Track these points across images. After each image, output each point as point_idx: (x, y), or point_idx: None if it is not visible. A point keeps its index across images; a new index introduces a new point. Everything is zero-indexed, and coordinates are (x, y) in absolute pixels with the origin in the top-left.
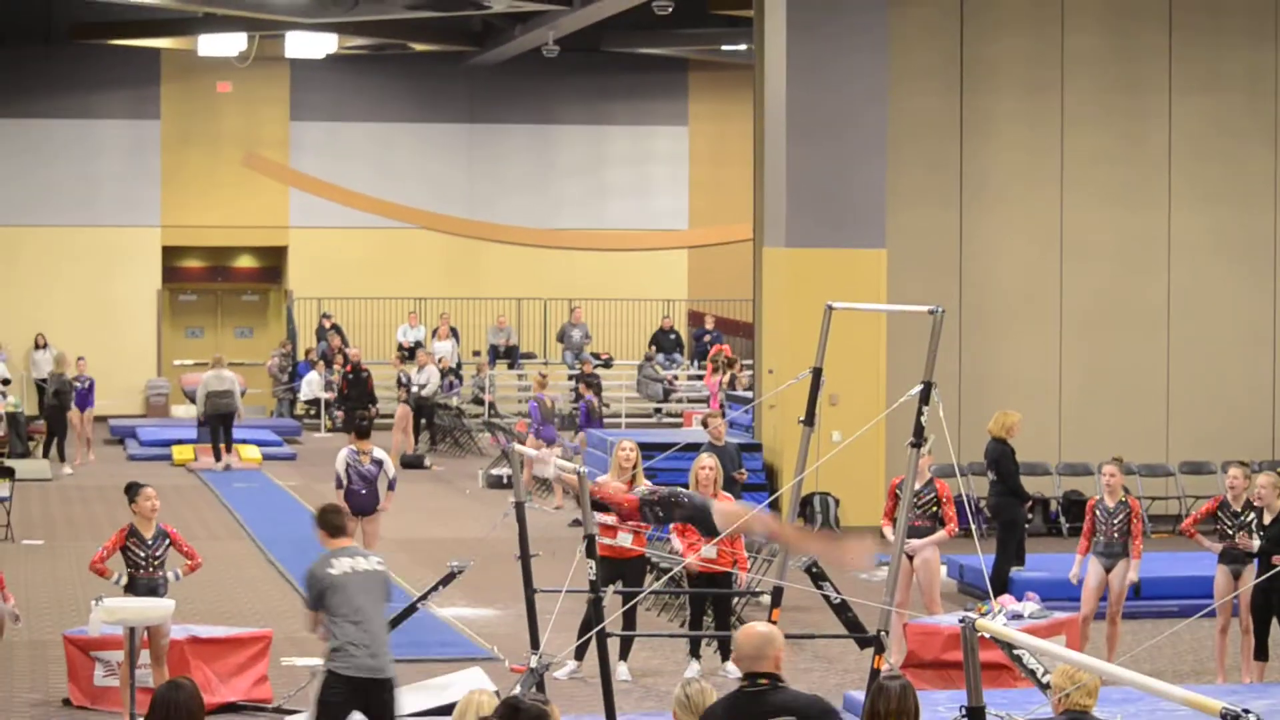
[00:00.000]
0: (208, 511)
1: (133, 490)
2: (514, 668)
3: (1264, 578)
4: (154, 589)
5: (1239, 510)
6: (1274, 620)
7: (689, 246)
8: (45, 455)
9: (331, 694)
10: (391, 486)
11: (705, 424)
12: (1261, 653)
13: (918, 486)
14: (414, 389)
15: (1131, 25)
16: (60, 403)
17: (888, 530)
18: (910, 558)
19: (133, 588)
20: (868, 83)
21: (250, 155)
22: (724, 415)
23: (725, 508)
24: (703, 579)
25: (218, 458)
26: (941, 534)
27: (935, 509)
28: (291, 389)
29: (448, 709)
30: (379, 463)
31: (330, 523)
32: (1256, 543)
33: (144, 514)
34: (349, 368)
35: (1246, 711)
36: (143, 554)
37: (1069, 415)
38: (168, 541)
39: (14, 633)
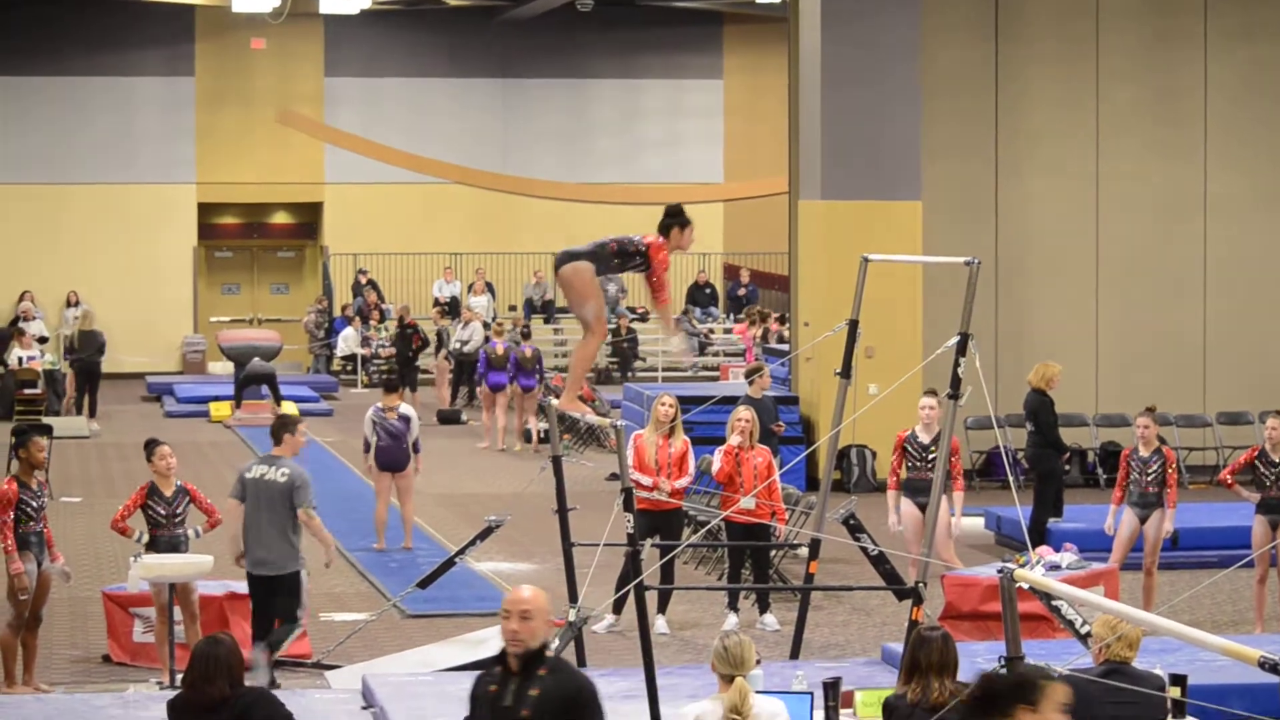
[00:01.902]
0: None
1: (150, 448)
2: (553, 621)
3: None
4: (175, 546)
5: (1278, 460)
6: None
7: (724, 200)
8: (78, 412)
9: (253, 591)
10: (416, 449)
11: (749, 378)
12: None
13: (928, 439)
14: (458, 345)
15: None
16: (89, 360)
17: (892, 495)
18: (921, 509)
19: (154, 545)
20: (902, 34)
21: (285, 112)
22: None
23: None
24: (741, 531)
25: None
26: (958, 496)
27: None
28: (328, 345)
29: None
30: (406, 419)
31: (272, 430)
32: None
33: (161, 472)
34: (410, 323)
35: None
36: (163, 511)
37: (1106, 367)
38: (188, 499)
39: (54, 589)
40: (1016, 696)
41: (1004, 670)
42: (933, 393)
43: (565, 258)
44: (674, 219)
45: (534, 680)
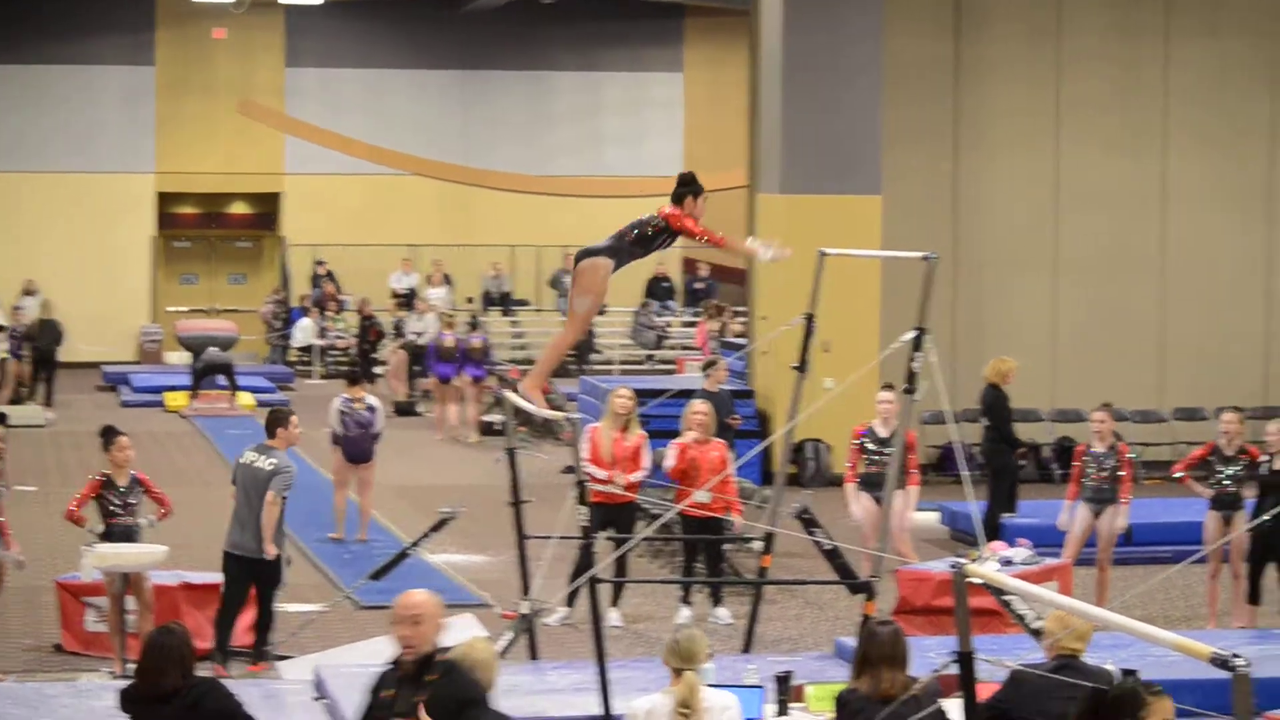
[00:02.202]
0: (200, 457)
1: (108, 438)
2: (505, 614)
3: (1258, 522)
4: (129, 535)
5: (1231, 456)
6: (1271, 565)
7: None
8: (34, 399)
9: (226, 568)
10: (376, 439)
11: (705, 371)
12: (1255, 596)
13: (886, 433)
14: (413, 336)
15: None
16: (46, 349)
17: (850, 489)
18: (879, 503)
19: (108, 535)
20: (863, 28)
21: (245, 102)
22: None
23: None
24: (695, 525)
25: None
26: (914, 490)
27: (901, 457)
28: (285, 336)
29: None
30: (373, 409)
31: (266, 423)
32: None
33: (118, 463)
34: (369, 314)
35: (1236, 655)
36: (117, 501)
37: (1063, 361)
38: (141, 489)
39: (8, 577)
40: (1123, 711)
41: (1123, 684)
42: (890, 387)
43: (584, 254)
44: (687, 188)
45: (424, 685)
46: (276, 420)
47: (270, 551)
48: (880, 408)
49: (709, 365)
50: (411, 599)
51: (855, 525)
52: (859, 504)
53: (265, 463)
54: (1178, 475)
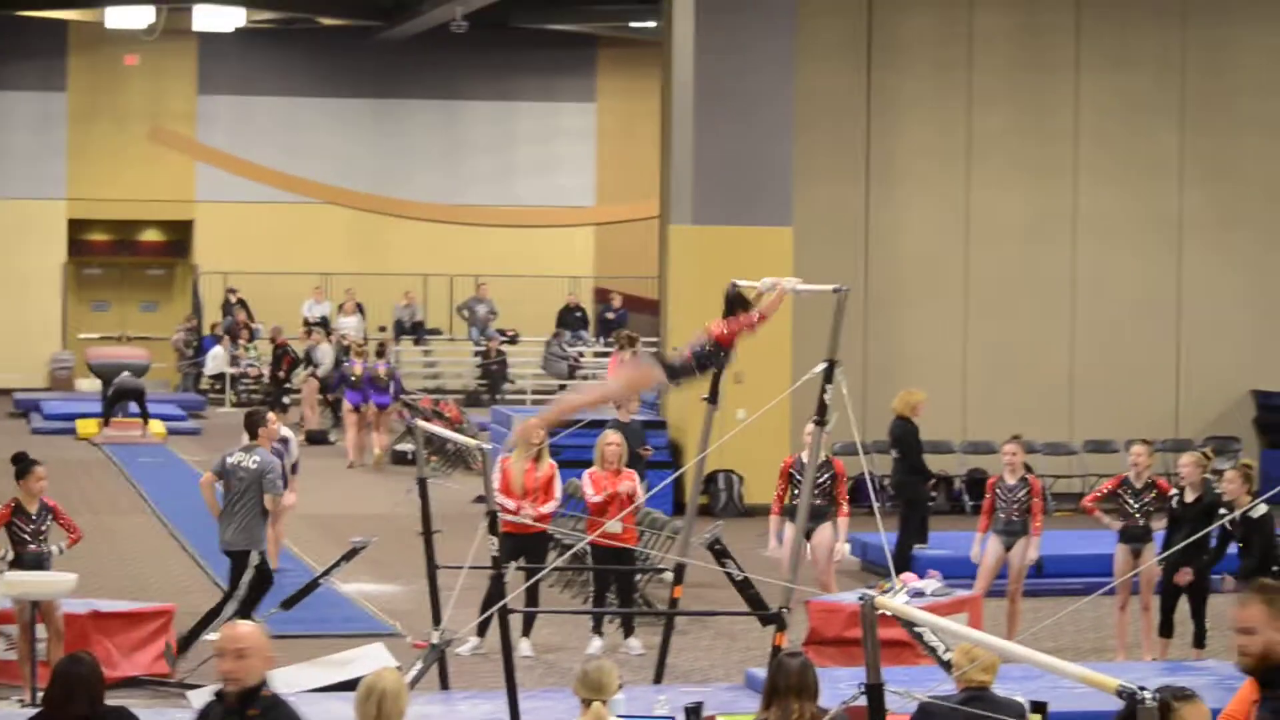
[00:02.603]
0: (112, 485)
1: (24, 467)
2: (416, 644)
3: (1166, 554)
4: (40, 563)
5: (1141, 488)
6: (1180, 598)
7: (596, 223)
8: None
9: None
10: (294, 469)
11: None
12: (1167, 629)
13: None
14: (312, 368)
15: (1040, 5)
16: None
17: (775, 520)
18: (806, 535)
19: (18, 563)
20: (775, 60)
21: (157, 129)
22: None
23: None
24: (606, 555)
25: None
26: (843, 521)
27: (831, 488)
28: (196, 364)
29: (350, 684)
30: (285, 440)
31: (246, 425)
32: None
33: (32, 493)
34: (282, 343)
35: (1142, 689)
36: (28, 529)
37: (974, 393)
38: (50, 515)
39: None
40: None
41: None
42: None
43: (654, 357)
44: (735, 304)
45: (246, 719)
46: (256, 420)
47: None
48: (807, 440)
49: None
50: (236, 632)
51: (769, 556)
52: (784, 535)
53: (251, 461)
54: (1086, 507)
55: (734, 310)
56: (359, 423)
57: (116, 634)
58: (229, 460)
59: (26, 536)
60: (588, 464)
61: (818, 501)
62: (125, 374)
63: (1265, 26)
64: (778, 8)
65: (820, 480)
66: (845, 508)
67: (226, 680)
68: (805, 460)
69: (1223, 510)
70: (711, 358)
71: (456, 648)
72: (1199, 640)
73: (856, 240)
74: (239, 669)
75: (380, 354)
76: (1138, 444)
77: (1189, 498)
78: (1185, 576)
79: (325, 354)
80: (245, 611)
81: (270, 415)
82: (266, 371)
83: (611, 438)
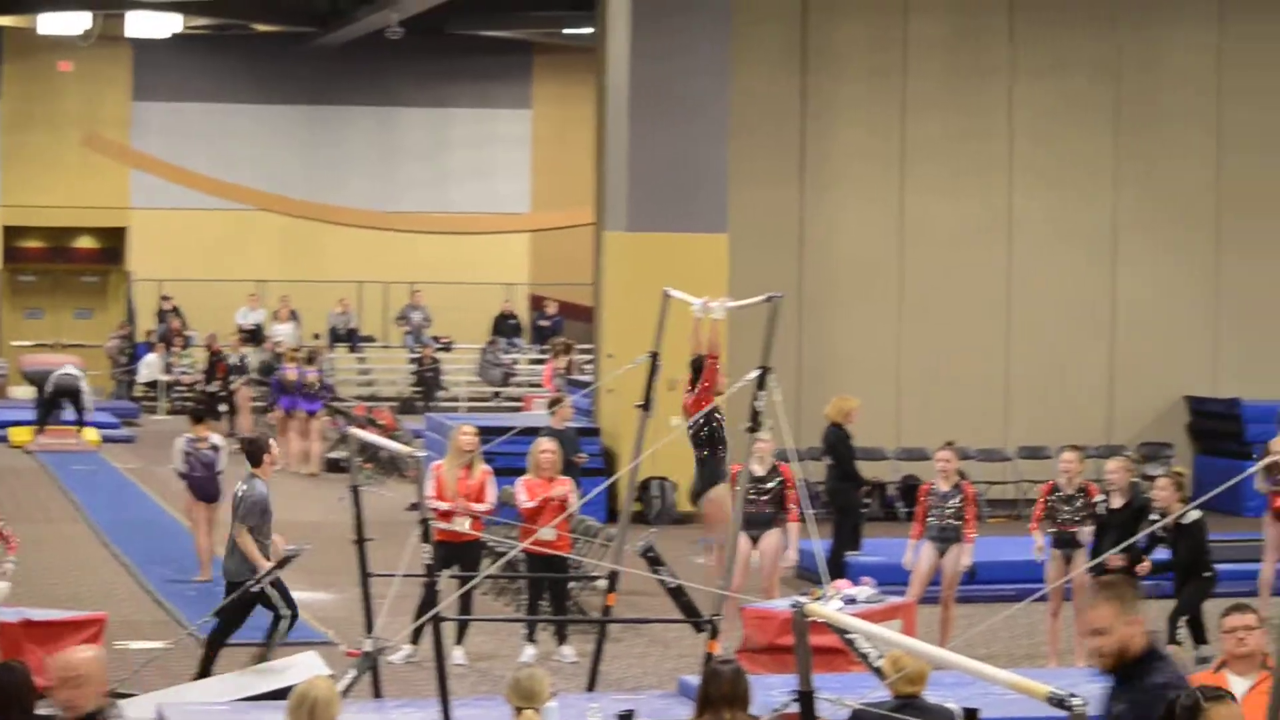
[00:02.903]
0: (44, 493)
1: None
2: (349, 651)
3: (1097, 561)
4: None
5: (1071, 494)
6: None
7: (531, 230)
8: None
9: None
10: (221, 478)
11: (550, 408)
12: None
13: (762, 472)
14: (245, 375)
15: (974, 10)
16: None
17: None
18: (753, 542)
19: None
20: (711, 66)
21: (91, 135)
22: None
23: (717, 496)
24: (540, 563)
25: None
26: (794, 527)
27: (780, 494)
28: (130, 371)
29: (283, 693)
30: (216, 448)
31: (248, 453)
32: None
33: None
34: (216, 350)
35: (1073, 695)
36: None
37: (907, 400)
38: None
39: None
40: (1185, 717)
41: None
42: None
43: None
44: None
45: None
46: (259, 448)
47: (261, 563)
48: (756, 447)
49: (554, 403)
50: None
51: (705, 563)
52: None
53: (240, 490)
54: (1033, 532)
55: (697, 375)
56: (294, 428)
57: (48, 643)
58: (234, 492)
59: None
60: (521, 471)
61: (767, 509)
62: (60, 373)
63: (1197, 29)
64: (712, 13)
65: (770, 486)
66: (795, 513)
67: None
68: (754, 468)
69: (1154, 516)
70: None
71: (390, 655)
72: None
73: (791, 246)
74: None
75: (310, 360)
76: (1067, 450)
77: (1116, 503)
78: (1116, 561)
79: (250, 359)
80: (218, 638)
81: (272, 442)
82: (201, 379)
83: (545, 445)
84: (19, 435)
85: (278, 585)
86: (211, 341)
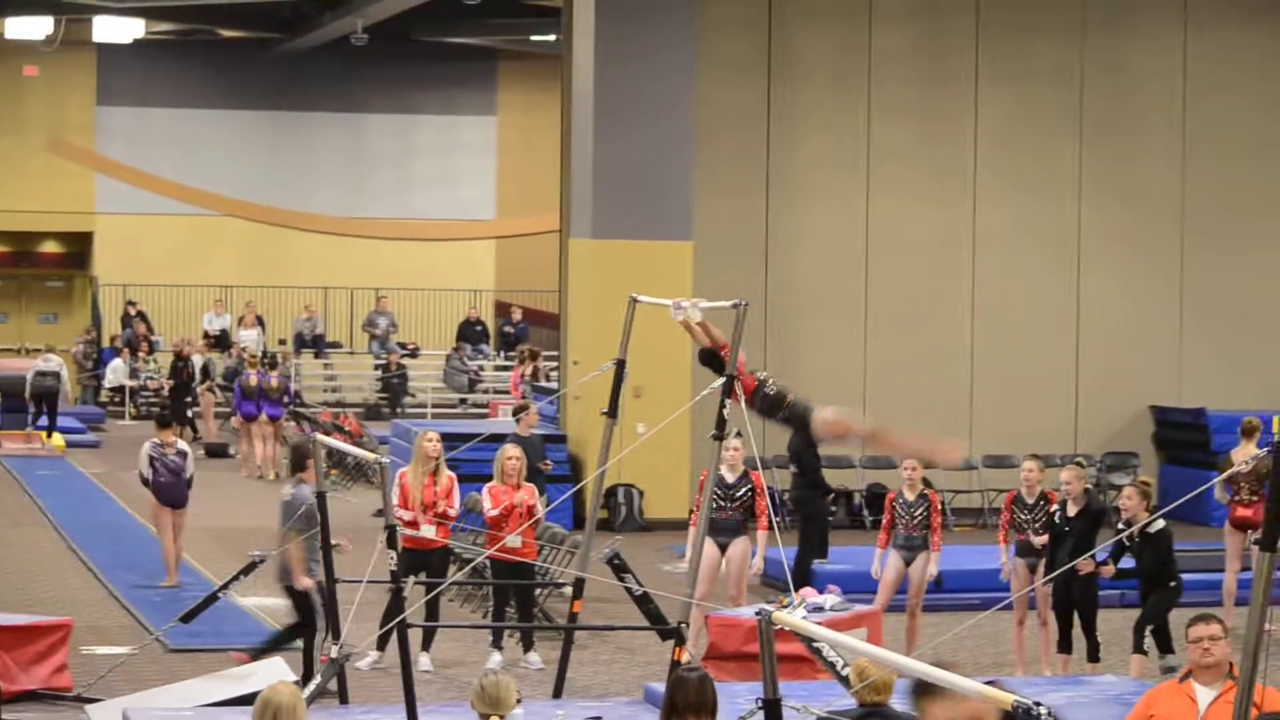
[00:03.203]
0: (9, 497)
1: None
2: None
3: (1060, 572)
4: None
5: (1032, 503)
6: (1075, 613)
7: (496, 237)
8: None
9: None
10: (188, 484)
11: (516, 415)
12: (1065, 645)
13: (733, 479)
14: (208, 380)
15: (939, 19)
16: None
17: (693, 533)
18: (721, 549)
19: None
20: (676, 74)
21: (56, 140)
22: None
23: (825, 416)
24: (506, 570)
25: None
26: (762, 535)
27: (750, 502)
28: (96, 376)
29: (249, 699)
30: (184, 454)
31: (293, 459)
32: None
33: None
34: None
35: (1038, 704)
36: None
37: (872, 408)
38: None
39: None
40: None
41: None
42: (739, 434)
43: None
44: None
45: None
46: (304, 453)
47: (301, 583)
48: (726, 454)
49: (520, 410)
50: None
51: (671, 570)
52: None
53: (285, 495)
54: (1000, 543)
55: (711, 363)
56: (257, 434)
57: (14, 648)
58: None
59: None
60: (486, 478)
61: (737, 516)
62: (37, 373)
63: (1162, 39)
64: (677, 20)
65: (739, 494)
66: (764, 521)
67: None
68: (724, 474)
69: (1121, 525)
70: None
71: (356, 662)
72: (1092, 654)
73: (756, 253)
74: None
75: (272, 365)
76: (1028, 459)
77: (1071, 511)
78: (1088, 566)
79: (195, 363)
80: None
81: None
82: (166, 385)
83: (511, 451)
84: None
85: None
86: (180, 346)
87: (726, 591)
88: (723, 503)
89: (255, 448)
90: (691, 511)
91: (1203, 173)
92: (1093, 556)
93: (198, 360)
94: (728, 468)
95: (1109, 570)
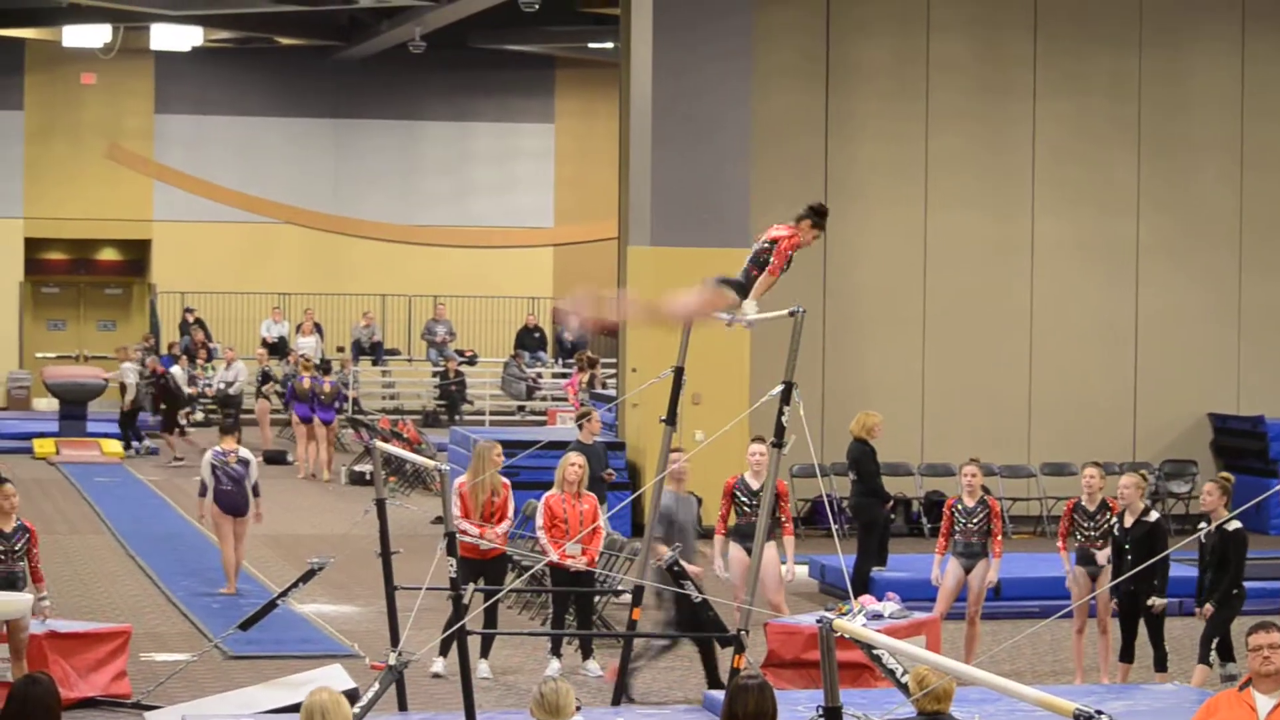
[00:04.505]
0: (68, 505)
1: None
2: (374, 665)
3: (1123, 578)
4: (12, 582)
5: (1094, 511)
6: (1140, 622)
7: (554, 244)
8: None
9: None
10: (256, 492)
11: (579, 422)
12: (1127, 655)
13: (756, 486)
14: (221, 385)
15: (997, 30)
16: None
17: (720, 541)
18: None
19: None
20: (733, 82)
21: (114, 147)
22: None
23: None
24: (566, 577)
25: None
26: (789, 540)
27: (774, 508)
28: (153, 383)
29: None
30: (245, 462)
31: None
32: (1105, 553)
33: (2, 510)
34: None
35: (1100, 712)
36: (2, 547)
37: (931, 416)
38: (27, 536)
39: None
40: None
41: None
42: (761, 439)
43: (719, 282)
44: (814, 215)
45: None
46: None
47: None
48: (751, 460)
49: (583, 417)
50: None
51: (724, 578)
52: (730, 555)
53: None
54: (1060, 551)
55: (805, 219)
56: (309, 436)
57: (73, 655)
58: None
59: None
60: (544, 485)
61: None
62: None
63: (1220, 51)
64: (735, 29)
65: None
66: (789, 527)
67: None
68: (749, 480)
69: (1202, 524)
70: (765, 256)
71: (431, 668)
72: (1160, 663)
73: (814, 262)
74: None
75: (325, 370)
76: (1089, 466)
77: (1128, 521)
78: (1160, 604)
79: (239, 371)
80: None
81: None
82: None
83: (574, 459)
84: (43, 447)
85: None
86: (153, 364)
87: (764, 598)
88: (748, 509)
89: (309, 450)
90: (720, 519)
91: (1260, 189)
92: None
93: (245, 368)
94: (752, 474)
95: (1160, 605)
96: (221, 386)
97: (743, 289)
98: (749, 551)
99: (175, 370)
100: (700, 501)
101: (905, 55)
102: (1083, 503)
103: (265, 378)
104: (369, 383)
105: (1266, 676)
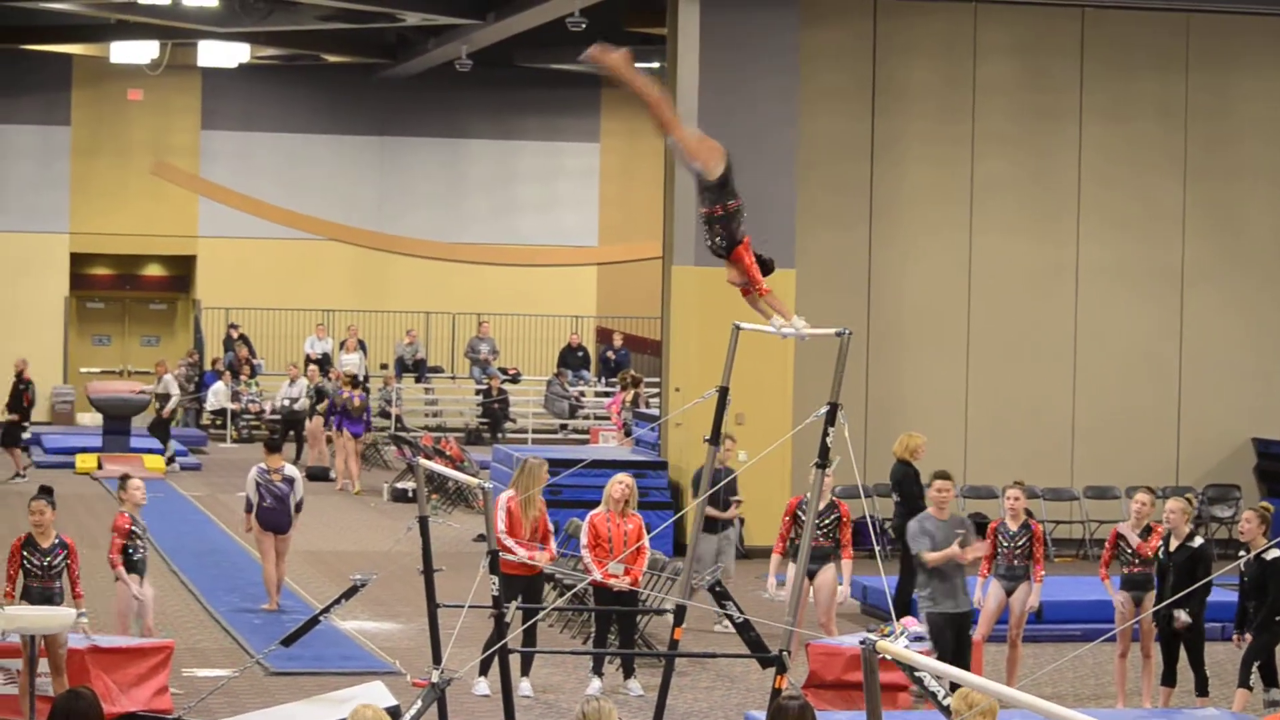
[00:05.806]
0: (111, 520)
1: (39, 499)
2: (416, 682)
3: (1166, 604)
4: (49, 598)
5: (1139, 535)
6: (1182, 646)
7: (598, 263)
8: None
9: None
10: (299, 508)
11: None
12: (1169, 679)
13: (820, 507)
14: (285, 402)
15: (1043, 54)
16: None
17: (776, 560)
18: (809, 576)
19: (27, 595)
20: (779, 103)
21: (160, 163)
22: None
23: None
24: (608, 596)
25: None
26: (847, 564)
27: (835, 530)
28: (198, 399)
29: None
30: (290, 480)
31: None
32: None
33: (38, 525)
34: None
35: None
36: (38, 563)
37: (974, 438)
38: (66, 552)
39: None
40: None
41: None
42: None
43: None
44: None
45: None
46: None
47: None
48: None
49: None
50: None
51: (770, 595)
52: (786, 575)
53: None
54: (1103, 578)
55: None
56: (340, 448)
57: (115, 669)
58: None
59: (36, 570)
60: (589, 504)
61: (822, 543)
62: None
63: (1268, 78)
64: (782, 50)
65: (825, 522)
66: (849, 550)
67: None
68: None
69: (1242, 552)
70: (716, 219)
71: (474, 688)
72: (1201, 688)
73: (859, 284)
74: None
75: (354, 385)
76: (1141, 491)
77: (1173, 545)
78: (1183, 620)
79: (300, 388)
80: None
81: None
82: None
83: (623, 478)
84: (85, 462)
85: None
86: (21, 366)
87: (815, 619)
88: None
89: (345, 462)
90: (780, 538)
91: None
92: (1188, 599)
93: (303, 384)
94: (811, 495)
95: (1183, 621)
96: (286, 403)
97: (725, 177)
98: (810, 574)
99: (218, 386)
100: (742, 522)
101: (951, 79)
102: (1124, 532)
103: (319, 395)
104: (412, 400)
105: None
